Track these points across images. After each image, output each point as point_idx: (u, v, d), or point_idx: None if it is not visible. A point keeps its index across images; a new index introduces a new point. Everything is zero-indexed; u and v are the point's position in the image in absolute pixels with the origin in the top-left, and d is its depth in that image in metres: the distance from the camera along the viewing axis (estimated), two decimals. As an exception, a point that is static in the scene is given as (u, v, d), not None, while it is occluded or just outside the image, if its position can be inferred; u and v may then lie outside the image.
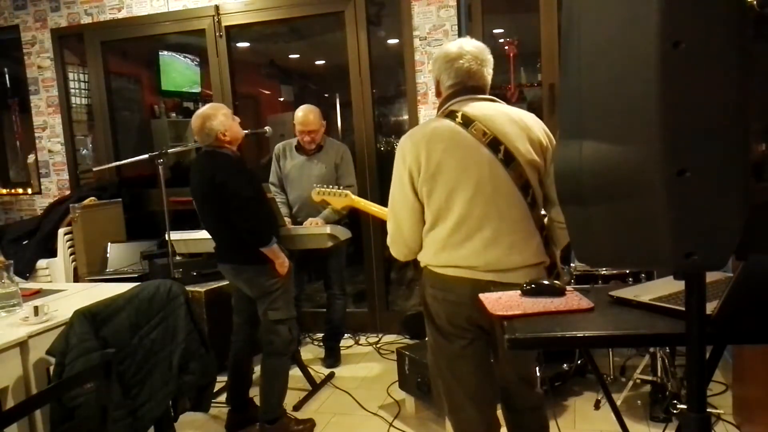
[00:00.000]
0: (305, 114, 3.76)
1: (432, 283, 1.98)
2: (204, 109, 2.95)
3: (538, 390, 2.13)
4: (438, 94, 2.08)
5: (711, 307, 1.19)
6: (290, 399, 3.17)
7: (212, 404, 2.87)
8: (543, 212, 2.04)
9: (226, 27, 4.65)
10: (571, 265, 3.16)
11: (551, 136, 2.01)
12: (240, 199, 2.79)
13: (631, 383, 3.07)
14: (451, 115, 1.95)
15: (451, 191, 1.90)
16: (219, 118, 2.89)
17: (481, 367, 2.03)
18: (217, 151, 2.93)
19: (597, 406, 3.12)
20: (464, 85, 1.99)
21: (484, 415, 2.04)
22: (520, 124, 1.95)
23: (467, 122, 1.91)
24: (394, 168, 2.01)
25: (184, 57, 5.98)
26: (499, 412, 2.16)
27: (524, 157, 1.91)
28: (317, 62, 7.57)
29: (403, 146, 1.98)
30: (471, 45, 2.01)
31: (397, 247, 2.06)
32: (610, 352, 3.44)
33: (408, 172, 1.95)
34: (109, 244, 4.53)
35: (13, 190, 5.48)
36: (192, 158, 6.33)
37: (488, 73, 2.02)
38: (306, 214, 3.74)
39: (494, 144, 1.90)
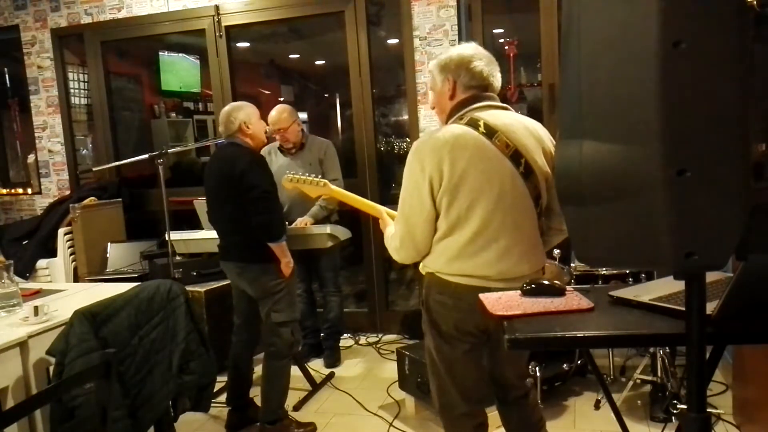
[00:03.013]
0: (278, 113, 3.75)
1: (440, 290, 1.96)
2: (235, 102, 3.12)
3: (527, 380, 2.22)
4: (452, 96, 2.00)
5: (711, 307, 1.19)
6: (290, 399, 3.17)
7: (212, 404, 2.86)
8: None
9: (226, 27, 4.65)
10: (571, 265, 3.16)
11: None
12: (258, 190, 2.81)
13: (631, 383, 3.07)
14: (472, 123, 1.91)
15: (472, 202, 1.87)
16: (246, 111, 3.01)
17: (478, 369, 2.07)
18: (238, 143, 2.99)
19: (597, 406, 3.12)
20: (484, 89, 1.98)
21: (476, 414, 2.08)
22: (535, 136, 1.97)
23: (490, 132, 1.89)
24: (407, 173, 1.93)
25: (184, 57, 5.98)
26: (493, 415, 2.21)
27: (540, 169, 1.94)
28: (317, 62, 7.56)
29: (421, 152, 1.90)
30: (482, 49, 2.03)
31: (405, 252, 1.99)
32: (610, 352, 3.44)
33: (428, 181, 1.88)
34: (109, 244, 4.53)
35: (13, 190, 5.48)
36: (192, 157, 6.34)
37: (499, 78, 2.04)
38: (297, 214, 3.69)
39: (516, 156, 1.90)
